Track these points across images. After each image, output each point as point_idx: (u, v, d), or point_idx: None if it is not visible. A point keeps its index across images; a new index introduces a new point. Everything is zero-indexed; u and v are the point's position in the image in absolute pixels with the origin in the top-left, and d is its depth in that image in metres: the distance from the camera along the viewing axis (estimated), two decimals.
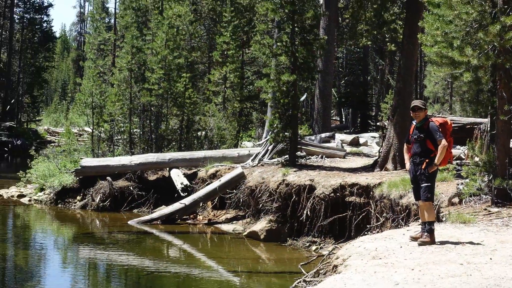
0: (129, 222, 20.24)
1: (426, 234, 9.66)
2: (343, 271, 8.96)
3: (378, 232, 13.83)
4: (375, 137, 27.93)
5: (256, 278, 14.89)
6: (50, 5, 74.58)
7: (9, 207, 24.06)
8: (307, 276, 11.05)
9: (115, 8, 47.67)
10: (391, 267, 8.44)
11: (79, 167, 23.42)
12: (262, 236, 17.72)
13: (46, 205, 23.72)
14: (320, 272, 10.78)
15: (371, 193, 15.92)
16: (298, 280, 10.93)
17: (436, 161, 9.66)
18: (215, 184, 20.50)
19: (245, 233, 18.56)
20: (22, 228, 21.86)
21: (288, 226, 17.83)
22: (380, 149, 20.43)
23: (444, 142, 9.60)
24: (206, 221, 20.86)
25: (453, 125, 11.07)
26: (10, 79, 61.48)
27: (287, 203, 17.88)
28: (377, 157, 19.77)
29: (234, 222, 20.30)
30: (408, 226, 12.35)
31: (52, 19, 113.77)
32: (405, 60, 19.08)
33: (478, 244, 9.55)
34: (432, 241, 9.60)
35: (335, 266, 9.86)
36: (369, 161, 20.61)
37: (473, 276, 7.73)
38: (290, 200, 17.82)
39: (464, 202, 12.67)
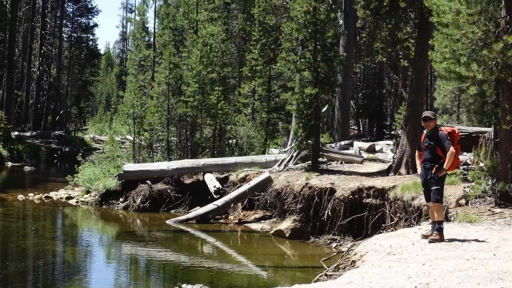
0: (167, 222, 20.43)
1: (436, 232, 9.73)
2: (361, 266, 9.04)
3: (392, 230, 13.83)
4: (389, 145, 27.71)
5: (282, 272, 14.99)
6: (95, 25, 75.43)
7: (58, 208, 24.21)
8: (328, 270, 11.05)
9: (154, 28, 48.15)
10: (404, 262, 8.52)
11: (122, 172, 23.59)
12: (287, 234, 17.83)
13: (92, 206, 23.88)
14: (340, 267, 10.77)
15: (386, 195, 15.94)
16: (320, 274, 10.95)
17: (445, 166, 9.75)
18: (245, 187, 20.58)
19: (272, 232, 18.61)
20: (70, 227, 22.15)
21: (310, 225, 17.91)
22: (394, 156, 20.37)
23: (452, 149, 9.70)
24: (236, 221, 20.97)
25: (460, 133, 11.09)
26: (59, 92, 62.14)
27: (310, 204, 18.00)
28: (391, 163, 19.71)
29: (262, 221, 20.35)
30: (420, 225, 12.31)
31: (97, 38, 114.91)
32: (417, 75, 19.08)
33: (482, 241, 9.61)
34: (441, 239, 9.66)
35: (354, 261, 9.90)
36: (384, 166, 20.52)
37: (478, 270, 7.82)
38: (312, 202, 17.94)
39: (470, 203, 12.69)
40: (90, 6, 70.80)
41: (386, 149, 26.53)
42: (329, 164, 22.07)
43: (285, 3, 30.08)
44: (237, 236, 19.69)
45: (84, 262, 16.58)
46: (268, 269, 15.30)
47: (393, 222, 15.15)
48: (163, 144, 28.02)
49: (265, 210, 20.78)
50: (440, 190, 9.96)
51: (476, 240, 9.71)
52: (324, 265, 11.85)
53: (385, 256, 9.09)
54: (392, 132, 34.18)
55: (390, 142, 28.67)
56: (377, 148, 26.45)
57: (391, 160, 20.64)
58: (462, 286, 7.16)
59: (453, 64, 11.63)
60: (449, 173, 11.22)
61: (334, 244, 16.59)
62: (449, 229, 10.45)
